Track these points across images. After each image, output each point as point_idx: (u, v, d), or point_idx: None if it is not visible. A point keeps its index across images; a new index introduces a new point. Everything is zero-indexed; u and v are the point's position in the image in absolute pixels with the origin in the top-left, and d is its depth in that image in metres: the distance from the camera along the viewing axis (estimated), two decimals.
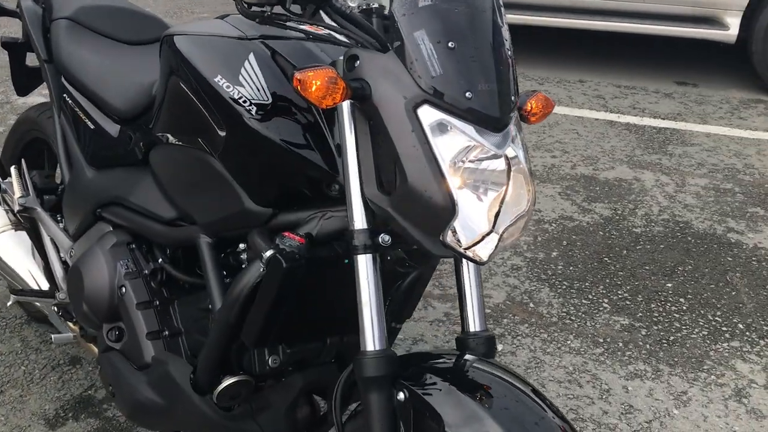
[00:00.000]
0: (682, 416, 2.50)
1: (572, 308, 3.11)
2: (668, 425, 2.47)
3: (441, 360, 1.45)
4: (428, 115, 1.28)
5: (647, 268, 3.42)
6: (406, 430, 1.33)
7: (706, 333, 2.95)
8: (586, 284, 3.28)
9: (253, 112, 1.48)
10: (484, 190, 1.30)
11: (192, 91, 1.57)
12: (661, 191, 4.18)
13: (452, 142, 1.28)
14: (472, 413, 1.26)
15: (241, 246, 1.67)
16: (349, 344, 1.72)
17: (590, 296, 3.20)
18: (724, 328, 2.98)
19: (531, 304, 3.12)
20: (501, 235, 1.33)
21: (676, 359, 2.79)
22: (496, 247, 1.33)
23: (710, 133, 5.05)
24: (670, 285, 3.29)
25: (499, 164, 1.30)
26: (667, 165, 4.53)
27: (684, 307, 3.13)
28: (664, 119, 5.30)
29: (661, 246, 3.61)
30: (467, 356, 1.45)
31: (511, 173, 1.31)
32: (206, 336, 1.73)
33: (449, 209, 1.27)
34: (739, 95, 5.74)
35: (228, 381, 1.58)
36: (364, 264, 1.38)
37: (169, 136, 1.76)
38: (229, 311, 1.54)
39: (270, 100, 1.49)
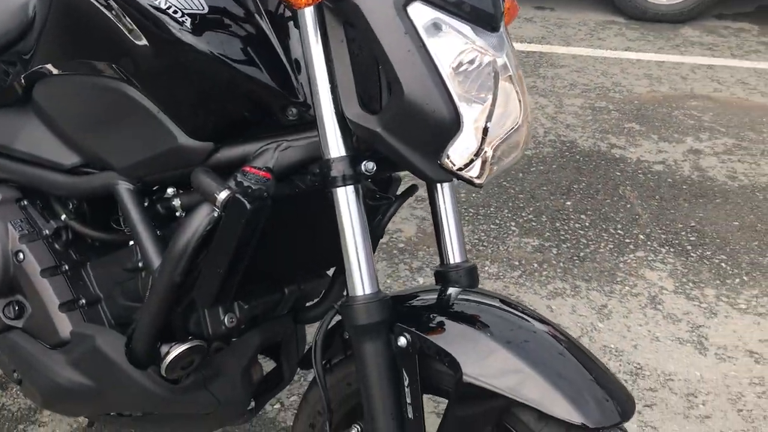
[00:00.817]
0: (607, 329, 2.54)
1: (483, 234, 3.07)
2: (597, 339, 2.50)
3: (430, 297, 1.30)
4: (420, 13, 1.08)
5: (545, 188, 3.44)
6: (410, 378, 1.17)
7: (612, 246, 3.02)
8: (491, 209, 3.25)
9: (187, 24, 1.21)
10: (475, 101, 1.14)
11: (96, 1, 1.27)
12: (543, 113, 4.23)
13: (449, 44, 1.09)
14: (485, 347, 1.12)
15: (170, 191, 1.41)
16: (307, 292, 1.53)
17: (497, 221, 3.17)
18: (627, 240, 3.07)
19: None
20: (495, 153, 1.18)
21: (590, 274, 2.83)
22: (491, 167, 1.17)
23: (576, 55, 5.17)
24: (569, 203, 3.33)
25: (493, 70, 1.14)
26: (543, 87, 4.59)
27: (587, 224, 3.18)
28: (530, 43, 5.36)
29: (554, 166, 3.65)
30: (454, 289, 1.31)
31: (502, 82, 1.15)
32: (134, 300, 1.47)
33: (454, 123, 1.10)
34: (594, 17, 5.92)
35: (178, 349, 1.34)
36: (346, 197, 1.18)
37: (57, 64, 1.44)
38: (173, 269, 1.29)
39: (206, 10, 1.23)
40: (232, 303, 1.37)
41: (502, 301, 1.28)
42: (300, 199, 1.29)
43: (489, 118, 1.14)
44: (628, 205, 3.32)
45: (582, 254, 2.96)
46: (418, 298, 1.30)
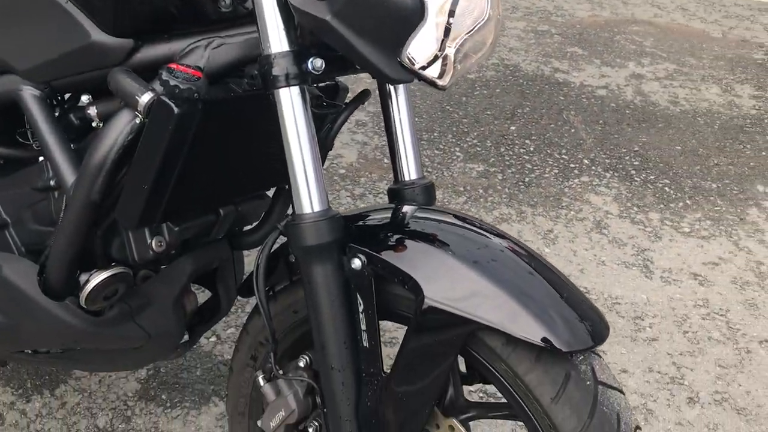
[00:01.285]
0: (554, 254, 2.49)
1: (426, 160, 2.95)
2: None
3: (385, 216, 1.17)
4: None
5: (489, 113, 3.34)
6: (365, 303, 1.06)
7: (557, 171, 2.96)
8: (435, 134, 3.13)
9: None
10: None
11: None
12: None
13: None
14: (448, 267, 1.01)
15: (85, 99, 1.22)
16: (245, 214, 1.38)
17: (441, 146, 3.06)
18: (572, 165, 3.01)
19: (385, 160, 2.90)
20: (460, 50, 1.04)
21: (535, 200, 2.77)
22: (456, 66, 1.04)
23: None
24: (513, 128, 3.24)
25: None
26: None
27: (531, 149, 3.10)
28: None
29: (497, 90, 3.54)
30: (411, 206, 1.18)
31: None
32: (46, 224, 1.29)
33: (417, 10, 0.95)
34: None
35: (99, 277, 1.18)
36: (290, 100, 1.03)
37: None
38: (89, 186, 1.11)
39: None
40: (159, 225, 1.21)
41: (464, 219, 1.16)
42: (236, 105, 1.13)
43: (454, 6, 1.00)
44: (573, 130, 3.26)
45: (527, 179, 2.89)
46: (371, 218, 1.16)
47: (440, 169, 2.89)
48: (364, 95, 1.28)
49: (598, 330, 1.00)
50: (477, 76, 3.63)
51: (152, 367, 1.87)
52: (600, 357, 1.05)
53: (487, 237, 1.09)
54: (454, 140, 3.10)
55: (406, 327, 1.04)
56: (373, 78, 1.08)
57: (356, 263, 1.05)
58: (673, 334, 2.18)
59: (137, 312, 1.29)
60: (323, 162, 1.22)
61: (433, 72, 1.03)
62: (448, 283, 1.00)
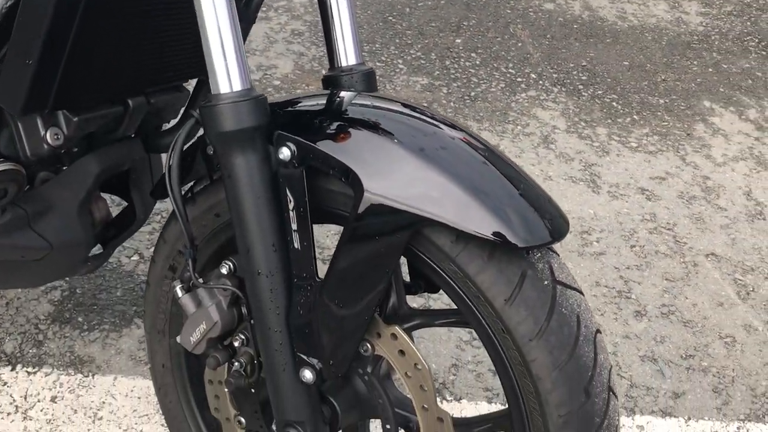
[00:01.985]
0: None
1: None
2: None
3: (320, 102, 1.02)
4: None
5: (433, 25, 3.17)
6: (296, 200, 0.92)
7: (503, 86, 2.83)
8: (377, 46, 2.95)
9: None
10: None
11: None
12: None
13: None
14: (390, 156, 0.88)
15: None
16: (160, 108, 1.21)
17: (383, 58, 2.89)
18: (519, 79, 2.89)
19: (323, 71, 2.72)
20: None
21: (481, 114, 2.65)
22: None
23: None
24: (459, 41, 3.09)
25: None
26: None
27: (477, 62, 2.96)
28: None
29: (442, 2, 3.36)
30: (349, 92, 1.04)
31: None
32: None
33: None
34: None
35: None
36: None
37: None
38: None
39: None
40: (54, 113, 1.03)
41: (411, 107, 1.02)
42: None
43: None
44: (519, 44, 3.13)
45: (473, 93, 2.76)
46: (302, 104, 1.02)
47: (382, 81, 2.73)
48: None
49: (557, 225, 0.89)
50: None
51: (67, 287, 1.71)
52: (558, 255, 0.94)
53: (437, 126, 0.95)
54: (396, 52, 2.93)
55: (342, 227, 0.91)
56: None
57: (285, 153, 0.91)
58: (620, 249, 2.12)
59: (35, 218, 1.13)
60: (244, 39, 1.06)
61: None
62: (391, 175, 0.87)
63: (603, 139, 2.61)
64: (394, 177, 0.87)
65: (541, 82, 2.88)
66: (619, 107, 2.80)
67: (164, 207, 1.88)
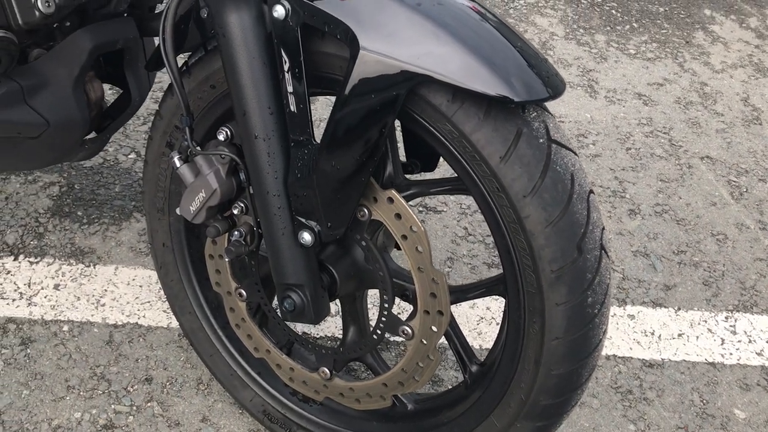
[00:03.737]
0: None
1: None
2: None
3: None
4: None
5: None
6: (291, 60, 0.91)
7: None
8: None
9: None
10: None
11: None
12: None
13: None
14: (387, 12, 0.86)
15: None
16: None
17: None
18: None
19: None
20: None
21: None
22: None
23: None
24: None
25: None
26: None
27: None
28: None
29: None
30: None
31: None
32: None
33: None
34: None
35: None
36: None
37: None
38: None
39: None
40: None
41: None
42: None
43: None
44: None
45: None
46: None
47: None
48: None
49: (554, 83, 0.89)
50: None
51: (65, 183, 1.71)
52: (553, 116, 0.95)
53: None
54: None
55: (337, 90, 0.91)
56: None
57: (279, 11, 0.90)
58: (616, 151, 2.13)
59: (30, 93, 1.12)
60: None
61: None
62: (389, 32, 0.86)
63: (601, 46, 2.58)
64: (393, 34, 0.86)
65: None
66: (619, 15, 2.76)
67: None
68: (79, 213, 1.65)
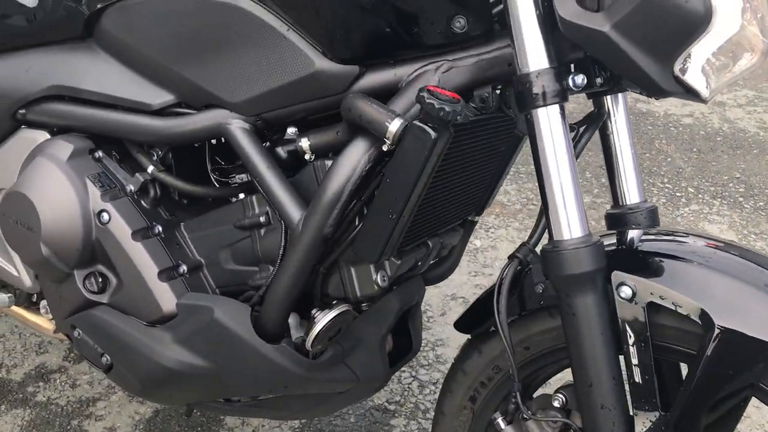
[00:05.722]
0: None
1: (530, 193, 2.88)
2: None
3: (637, 240, 1.09)
4: None
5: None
6: (637, 336, 0.97)
7: (664, 200, 2.87)
8: (532, 167, 3.07)
9: None
10: None
11: None
12: None
13: None
14: (736, 292, 0.94)
15: (291, 131, 1.17)
16: (444, 246, 1.32)
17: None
18: (678, 194, 2.92)
19: (524, 208, 2.84)
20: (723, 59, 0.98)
21: None
22: (725, 74, 0.97)
23: None
24: None
25: None
26: None
27: None
28: None
29: None
30: (658, 229, 1.12)
31: None
32: (248, 263, 1.22)
33: (705, 14, 0.89)
34: None
35: (327, 317, 1.11)
36: (548, 119, 0.97)
37: None
38: (323, 220, 1.05)
39: None
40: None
41: (724, 242, 1.08)
42: (471, 129, 1.08)
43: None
44: (669, 159, 3.19)
45: None
46: (617, 245, 1.10)
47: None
48: (600, 116, 1.20)
49: None
50: None
51: (307, 422, 1.78)
52: None
53: (758, 264, 1.01)
54: None
55: (687, 362, 0.96)
56: (639, 93, 1.02)
57: (626, 291, 0.98)
58: None
59: (348, 353, 1.22)
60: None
61: (698, 83, 0.96)
62: (743, 309, 0.92)
63: None
64: (748, 312, 0.92)
65: (700, 195, 2.91)
66: None
67: None
68: None
